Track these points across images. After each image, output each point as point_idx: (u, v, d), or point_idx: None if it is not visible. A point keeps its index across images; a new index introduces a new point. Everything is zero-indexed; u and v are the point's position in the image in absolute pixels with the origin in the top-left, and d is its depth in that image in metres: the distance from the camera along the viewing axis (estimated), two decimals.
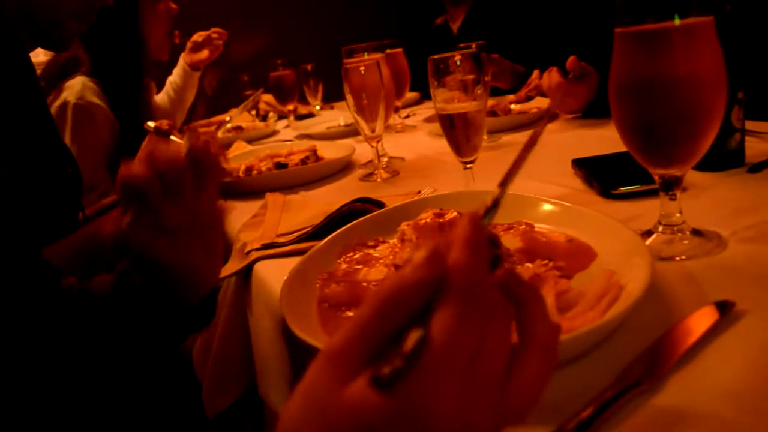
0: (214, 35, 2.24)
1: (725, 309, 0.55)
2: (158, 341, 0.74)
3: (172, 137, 1.20)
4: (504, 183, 0.41)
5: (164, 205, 0.64)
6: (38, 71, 1.08)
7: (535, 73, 1.91)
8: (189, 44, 2.22)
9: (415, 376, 0.30)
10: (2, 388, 0.64)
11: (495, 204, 0.39)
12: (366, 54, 1.45)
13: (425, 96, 2.49)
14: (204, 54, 2.22)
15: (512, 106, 1.80)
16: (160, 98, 2.26)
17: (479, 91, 0.98)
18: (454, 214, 0.70)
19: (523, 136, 1.52)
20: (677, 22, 0.60)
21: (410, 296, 0.33)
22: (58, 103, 1.68)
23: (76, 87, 1.71)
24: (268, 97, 2.69)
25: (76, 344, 0.68)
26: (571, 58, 1.47)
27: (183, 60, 2.24)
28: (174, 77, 2.26)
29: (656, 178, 0.69)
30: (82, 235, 0.99)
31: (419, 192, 1.09)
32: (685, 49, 0.61)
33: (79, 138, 1.66)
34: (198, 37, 2.23)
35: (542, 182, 1.03)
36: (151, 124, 1.21)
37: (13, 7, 0.93)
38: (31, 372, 0.66)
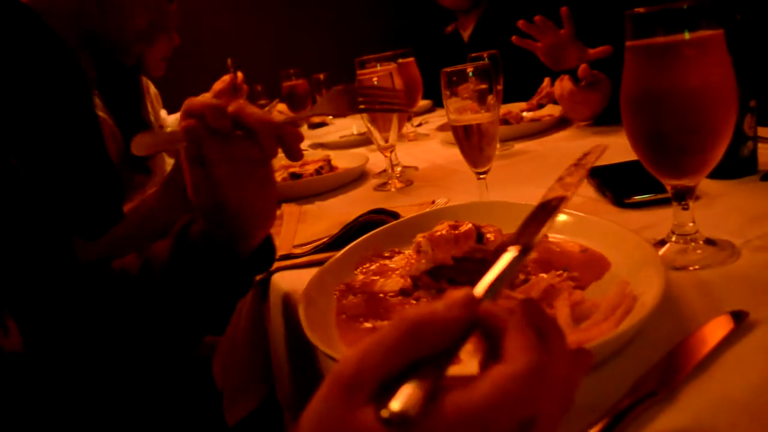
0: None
1: (739, 319, 0.55)
2: (217, 299, 0.73)
3: None
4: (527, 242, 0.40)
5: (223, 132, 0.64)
6: None
7: (546, 80, 1.92)
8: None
9: (430, 425, 0.29)
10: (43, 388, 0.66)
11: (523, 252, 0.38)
12: (378, 65, 1.47)
13: (437, 104, 2.50)
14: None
15: (524, 114, 1.80)
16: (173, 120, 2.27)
17: (492, 101, 0.99)
18: (469, 226, 0.71)
19: (535, 144, 1.53)
20: (687, 36, 0.61)
21: (438, 332, 0.32)
22: None
23: None
24: (281, 107, 2.72)
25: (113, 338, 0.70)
26: (583, 66, 1.48)
27: None
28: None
29: (668, 188, 0.70)
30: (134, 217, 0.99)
31: (433, 202, 1.11)
32: (695, 62, 0.62)
33: None
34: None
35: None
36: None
37: (72, 30, 0.95)
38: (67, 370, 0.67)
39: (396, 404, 0.29)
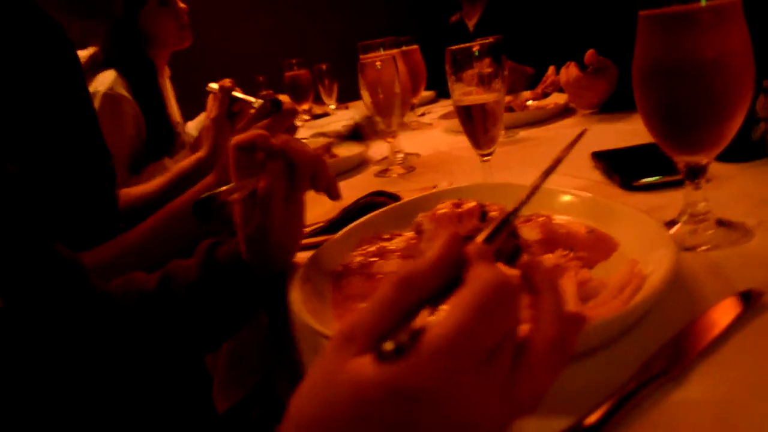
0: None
1: (751, 299, 0.53)
2: (234, 319, 0.77)
3: (236, 93, 1.21)
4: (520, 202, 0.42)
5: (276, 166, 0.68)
6: None
7: (551, 69, 1.89)
8: None
9: (419, 353, 0.29)
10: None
11: (518, 208, 0.41)
12: (382, 50, 1.44)
13: (441, 95, 2.48)
14: None
15: (528, 103, 1.78)
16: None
17: (497, 85, 0.96)
18: (473, 204, 0.69)
19: (540, 131, 1.50)
20: (703, 2, 0.59)
21: (427, 276, 0.33)
22: None
23: (109, 78, 1.74)
24: (283, 97, 2.69)
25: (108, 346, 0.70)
26: (590, 52, 1.45)
27: None
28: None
29: (681, 166, 0.67)
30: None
31: (435, 186, 1.08)
32: (712, 30, 0.59)
33: (102, 128, 1.68)
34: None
35: (561, 175, 1.01)
36: (213, 85, 1.23)
37: None
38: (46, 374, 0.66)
39: (389, 343, 0.30)
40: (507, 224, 0.39)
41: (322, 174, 0.71)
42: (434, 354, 0.29)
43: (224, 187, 0.66)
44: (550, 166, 0.47)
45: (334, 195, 0.74)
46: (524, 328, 0.34)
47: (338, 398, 0.30)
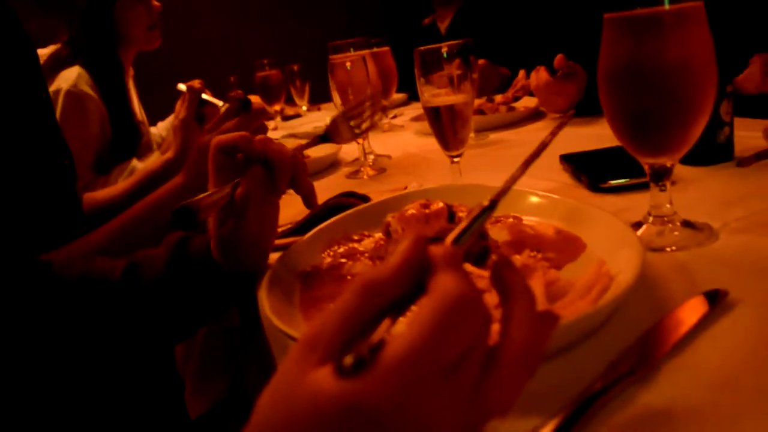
0: None
1: (717, 298, 0.53)
2: (202, 312, 0.75)
3: (204, 96, 1.19)
4: (501, 193, 0.40)
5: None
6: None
7: (521, 73, 1.90)
8: None
9: (379, 369, 0.28)
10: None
11: (492, 205, 0.38)
12: (352, 50, 1.44)
13: (412, 97, 2.48)
14: None
15: (499, 107, 1.79)
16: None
17: (466, 87, 0.96)
18: (441, 205, 0.69)
19: (510, 134, 1.51)
20: (667, 6, 0.59)
21: (390, 282, 0.32)
22: (51, 90, 1.65)
23: (72, 76, 1.69)
24: (254, 98, 2.66)
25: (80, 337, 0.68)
26: (559, 56, 1.47)
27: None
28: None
29: (646, 168, 0.68)
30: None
31: (406, 188, 1.08)
32: (675, 34, 0.60)
33: (66, 126, 1.63)
34: None
35: (530, 177, 1.01)
36: (182, 86, 1.21)
37: None
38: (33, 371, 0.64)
39: (348, 358, 0.28)
40: (478, 224, 0.38)
41: (301, 177, 0.71)
42: (394, 370, 0.28)
43: (202, 195, 0.64)
44: (530, 156, 0.46)
45: (311, 203, 0.74)
46: (494, 330, 0.34)
47: (298, 409, 0.29)
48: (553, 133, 0.52)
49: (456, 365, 0.30)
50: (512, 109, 1.70)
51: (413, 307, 0.33)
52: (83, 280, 0.70)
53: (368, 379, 0.28)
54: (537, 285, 0.55)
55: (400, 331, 0.30)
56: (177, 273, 0.70)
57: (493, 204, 0.39)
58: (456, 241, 0.36)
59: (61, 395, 0.71)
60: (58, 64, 1.72)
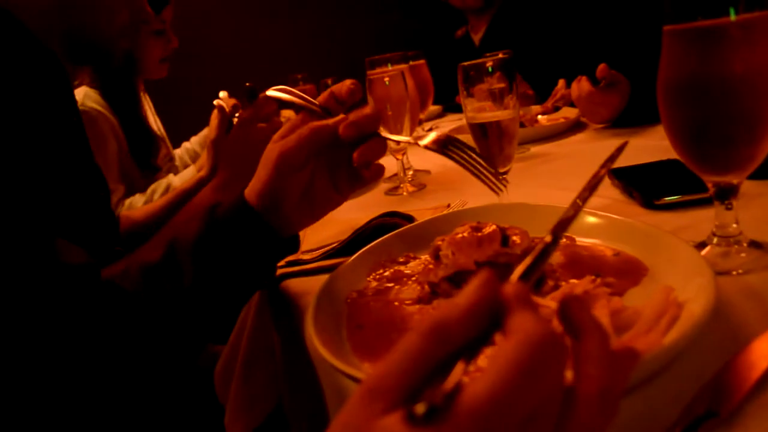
0: None
1: None
2: (240, 278, 0.74)
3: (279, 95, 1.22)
4: (558, 229, 0.40)
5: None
6: None
7: (561, 82, 1.87)
8: None
9: (454, 419, 0.27)
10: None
11: (555, 240, 0.38)
12: (389, 65, 1.42)
13: (447, 109, 2.46)
14: None
15: (539, 118, 1.75)
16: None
17: (511, 102, 0.94)
18: (493, 227, 0.66)
19: (552, 147, 1.47)
20: (733, 17, 0.56)
21: (461, 324, 0.30)
22: None
23: (78, 96, 1.71)
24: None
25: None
26: (602, 66, 1.42)
27: None
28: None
29: (710, 186, 0.64)
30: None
31: (449, 205, 1.05)
32: (742, 46, 0.56)
33: None
34: None
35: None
36: (220, 97, 1.25)
37: (55, 30, 0.90)
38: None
39: (421, 406, 0.27)
40: (543, 260, 0.36)
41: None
42: (472, 419, 0.27)
43: None
44: (588, 185, 0.44)
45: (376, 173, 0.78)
46: (568, 375, 0.31)
47: None
48: (606, 166, 0.49)
49: (536, 414, 0.28)
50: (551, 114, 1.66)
51: (486, 350, 0.31)
52: (145, 280, 0.69)
53: (443, 429, 0.26)
54: (602, 315, 0.51)
55: (475, 376, 0.28)
56: (214, 230, 0.70)
57: (556, 239, 0.38)
58: (522, 277, 0.35)
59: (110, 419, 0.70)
60: None
